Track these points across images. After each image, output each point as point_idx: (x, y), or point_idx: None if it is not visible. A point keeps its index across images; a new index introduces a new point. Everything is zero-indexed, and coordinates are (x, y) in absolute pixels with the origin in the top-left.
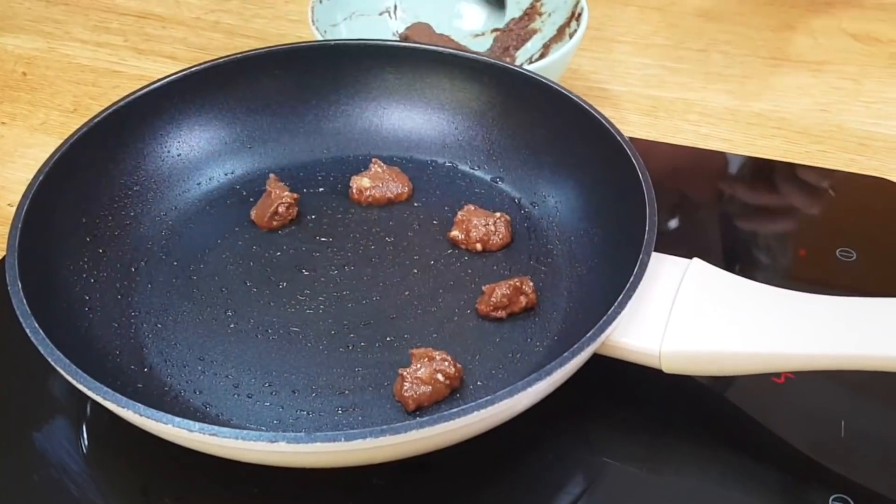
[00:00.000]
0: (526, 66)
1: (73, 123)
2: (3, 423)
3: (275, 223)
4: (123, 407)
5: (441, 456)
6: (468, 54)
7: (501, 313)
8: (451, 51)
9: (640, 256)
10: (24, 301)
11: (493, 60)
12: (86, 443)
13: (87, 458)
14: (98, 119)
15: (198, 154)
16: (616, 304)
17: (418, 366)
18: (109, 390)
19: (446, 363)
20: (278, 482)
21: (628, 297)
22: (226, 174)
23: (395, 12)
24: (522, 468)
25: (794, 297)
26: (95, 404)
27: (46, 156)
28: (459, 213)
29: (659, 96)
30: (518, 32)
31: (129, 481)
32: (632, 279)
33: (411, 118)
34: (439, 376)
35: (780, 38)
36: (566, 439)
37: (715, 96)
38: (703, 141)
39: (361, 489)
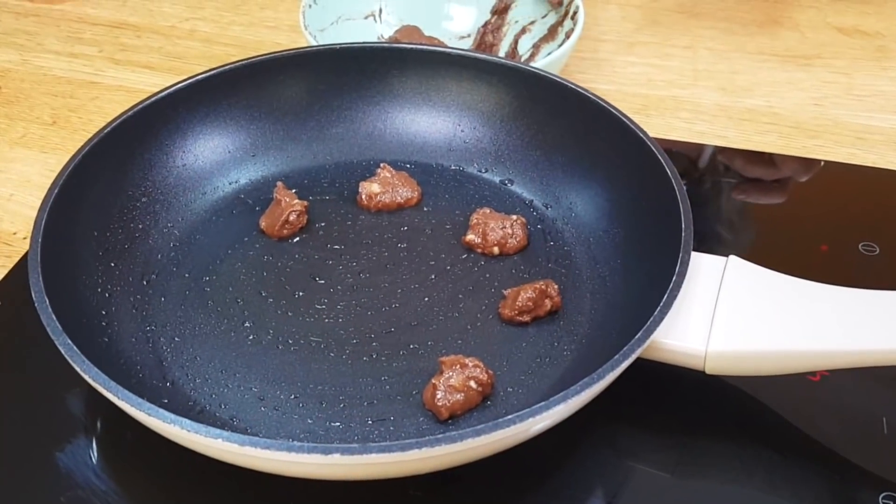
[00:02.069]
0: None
1: (52, 136)
2: (25, 445)
3: (285, 232)
4: (170, 423)
5: (474, 466)
6: (475, 54)
7: (526, 317)
8: (458, 52)
9: (681, 255)
10: (55, 318)
11: (502, 61)
12: (97, 459)
13: (114, 477)
14: (108, 130)
15: (202, 164)
16: (661, 304)
17: (450, 373)
18: (155, 407)
19: (478, 370)
20: (313, 494)
21: (673, 296)
22: (230, 183)
23: (380, 15)
24: (558, 476)
25: (837, 291)
26: (110, 420)
27: (29, 169)
28: (474, 216)
29: (648, 94)
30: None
31: (161, 500)
32: (674, 278)
33: (415, 122)
34: (472, 383)
35: (766, 33)
36: (600, 445)
37: (705, 93)
38: (698, 138)
39: (398, 501)
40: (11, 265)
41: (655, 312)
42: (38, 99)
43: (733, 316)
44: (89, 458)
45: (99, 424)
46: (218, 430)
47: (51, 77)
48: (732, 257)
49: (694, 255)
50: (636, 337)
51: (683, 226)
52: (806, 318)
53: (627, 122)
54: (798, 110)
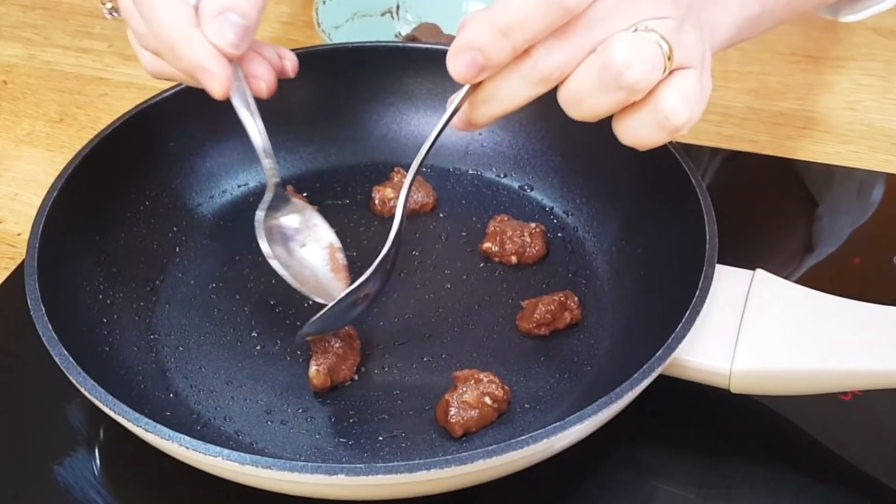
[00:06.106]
0: None
1: (59, 134)
2: (24, 457)
3: None
4: (168, 439)
5: (490, 484)
6: None
7: (544, 330)
8: None
9: (704, 269)
10: (51, 328)
11: None
12: (98, 473)
13: (116, 492)
14: (110, 130)
15: (209, 167)
16: (684, 319)
17: (464, 389)
18: (153, 422)
19: (494, 385)
20: None
21: (695, 312)
22: (239, 186)
23: (397, 12)
24: (578, 496)
25: (867, 308)
26: (112, 432)
27: (34, 168)
28: (491, 223)
29: None
30: None
31: None
32: (697, 293)
33: (431, 124)
34: (487, 399)
35: (799, 34)
36: (622, 464)
37: (736, 95)
38: (727, 142)
39: None
40: (15, 267)
41: (677, 329)
42: (45, 95)
43: (759, 333)
44: (90, 472)
45: (101, 436)
46: (217, 448)
47: (58, 72)
48: (759, 271)
49: (718, 267)
50: (657, 355)
51: (708, 237)
52: (835, 336)
53: None
54: (832, 114)
